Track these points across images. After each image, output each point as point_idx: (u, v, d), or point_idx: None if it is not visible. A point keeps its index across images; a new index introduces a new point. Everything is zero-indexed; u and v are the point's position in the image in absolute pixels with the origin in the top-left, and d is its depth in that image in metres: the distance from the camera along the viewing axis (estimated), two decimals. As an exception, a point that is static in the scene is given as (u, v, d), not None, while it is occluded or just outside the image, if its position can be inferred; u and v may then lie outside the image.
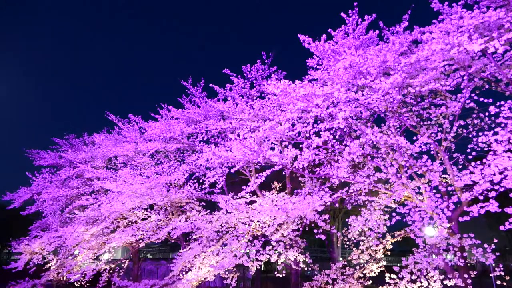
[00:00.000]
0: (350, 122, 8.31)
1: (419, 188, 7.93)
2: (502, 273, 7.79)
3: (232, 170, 10.10)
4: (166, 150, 14.21)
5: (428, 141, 7.94)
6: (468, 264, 8.09)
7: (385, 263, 9.67)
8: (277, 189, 12.10)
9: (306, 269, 10.63)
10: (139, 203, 12.01)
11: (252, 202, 10.05)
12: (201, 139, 13.35)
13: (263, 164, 10.48)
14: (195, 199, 12.64)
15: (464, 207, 7.50)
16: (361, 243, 9.47)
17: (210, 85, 13.01)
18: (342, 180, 9.28)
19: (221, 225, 10.32)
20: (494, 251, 7.25)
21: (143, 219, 13.15)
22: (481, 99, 7.42)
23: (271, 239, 9.49)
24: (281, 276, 11.63)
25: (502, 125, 7.01)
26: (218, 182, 11.17)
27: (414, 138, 7.86)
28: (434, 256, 7.96)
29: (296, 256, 9.89)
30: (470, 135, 8.06)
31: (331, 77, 8.69)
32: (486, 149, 7.40)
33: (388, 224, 9.02)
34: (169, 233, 12.01)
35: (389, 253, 9.74)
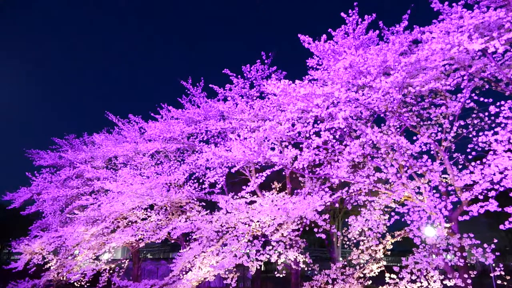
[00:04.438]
0: (350, 122, 8.31)
1: (419, 188, 7.93)
2: (502, 273, 7.79)
3: (232, 170, 10.10)
4: (166, 150, 14.21)
5: (428, 141, 7.95)
6: (468, 264, 8.09)
7: (385, 263, 9.67)
8: (277, 189, 12.10)
9: (306, 269, 10.62)
10: (139, 203, 12.01)
11: (252, 202, 10.05)
12: (201, 139, 13.35)
13: (263, 164, 10.48)
14: (195, 199, 12.64)
15: (464, 207, 7.50)
16: (361, 243, 9.47)
17: (210, 85, 13.01)
18: (342, 180, 9.28)
19: (221, 225, 10.32)
20: (494, 251, 7.25)
21: (143, 219, 13.15)
22: (481, 99, 7.42)
23: (271, 239, 9.49)
24: (281, 276, 11.62)
25: (502, 125, 7.01)
26: (218, 182, 11.17)
27: (414, 138, 7.86)
28: (434, 256, 7.96)
29: (296, 256, 9.89)
30: (470, 135, 8.06)
31: (331, 77, 8.69)
32: (486, 149, 7.40)
33: (388, 224, 9.02)
34: (169, 233, 12.01)
35: (389, 253, 9.73)
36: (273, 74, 12.89)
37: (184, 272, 10.93)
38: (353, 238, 9.65)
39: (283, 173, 12.09)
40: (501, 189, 6.65)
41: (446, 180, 8.08)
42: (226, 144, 10.37)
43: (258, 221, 9.75)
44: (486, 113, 7.72)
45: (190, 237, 11.64)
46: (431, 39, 7.09)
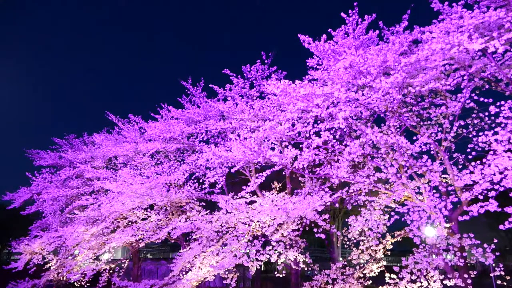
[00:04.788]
0: (350, 122, 8.31)
1: (419, 188, 7.93)
2: (502, 273, 7.79)
3: (232, 170, 10.10)
4: (166, 150, 14.21)
5: (428, 141, 7.94)
6: (468, 264, 8.09)
7: (385, 263, 9.67)
8: (277, 189, 12.10)
9: (306, 269, 10.63)
10: (139, 203, 12.01)
11: (252, 202, 10.04)
12: (201, 139, 13.35)
13: (263, 164, 10.48)
14: (195, 199, 12.64)
15: (464, 207, 7.51)
16: (361, 243, 9.47)
17: (210, 85, 13.01)
18: (342, 180, 9.27)
19: (221, 225, 10.32)
20: (494, 251, 7.25)
21: (143, 219, 13.15)
22: (481, 99, 7.42)
23: (271, 239, 9.49)
24: (281, 276, 11.64)
25: (502, 125, 7.01)
26: (218, 182, 11.17)
27: (414, 138, 7.86)
28: (434, 256, 7.96)
29: (296, 256, 9.89)
30: (470, 135, 8.06)
31: (331, 77, 8.69)
32: (486, 149, 7.40)
33: (388, 224, 9.02)
34: (169, 233, 12.01)
35: (389, 253, 9.73)
36: (273, 74, 12.88)
37: (184, 272, 10.92)
38: (353, 238, 9.65)
39: (283, 173, 12.08)
40: (501, 189, 6.65)
41: (446, 180, 8.08)
42: (226, 144, 10.37)
43: (258, 221, 9.74)
44: (486, 113, 7.72)
45: (190, 237, 11.64)
46: (431, 39, 7.09)
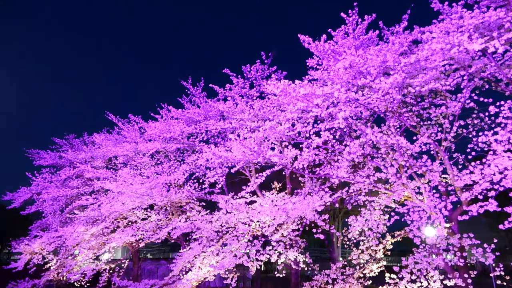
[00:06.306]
0: (350, 122, 8.31)
1: (419, 188, 7.93)
2: (502, 273, 7.79)
3: (232, 170, 10.11)
4: (166, 150, 14.21)
5: (428, 141, 7.94)
6: (468, 264, 8.08)
7: (385, 263, 9.67)
8: (277, 189, 12.10)
9: (306, 269, 10.63)
10: (139, 203, 12.01)
11: (252, 202, 10.05)
12: (201, 139, 13.36)
13: (263, 164, 10.48)
14: (195, 199, 12.64)
15: (464, 207, 7.51)
16: (361, 243, 9.47)
17: (210, 85, 13.02)
18: (342, 180, 9.27)
19: (221, 225, 10.32)
20: (494, 251, 7.25)
21: (143, 219, 13.15)
22: (481, 99, 7.41)
23: (271, 239, 9.49)
24: (281, 276, 11.64)
25: (502, 125, 7.01)
26: (218, 182, 11.18)
27: (414, 138, 7.86)
28: (434, 256, 7.96)
29: (296, 256, 9.89)
30: (470, 135, 8.06)
31: (331, 77, 8.69)
32: (486, 149, 7.40)
33: (388, 224, 9.02)
34: (169, 233, 12.01)
35: (389, 253, 9.73)
36: (273, 74, 12.89)
37: (184, 272, 10.93)
38: (353, 238, 9.65)
39: (283, 173, 12.08)
40: (501, 189, 6.65)
41: (446, 180, 8.08)
42: (226, 144, 10.37)
43: (258, 221, 9.75)
44: (486, 113, 7.72)
45: (190, 237, 11.64)
46: (431, 39, 7.09)
